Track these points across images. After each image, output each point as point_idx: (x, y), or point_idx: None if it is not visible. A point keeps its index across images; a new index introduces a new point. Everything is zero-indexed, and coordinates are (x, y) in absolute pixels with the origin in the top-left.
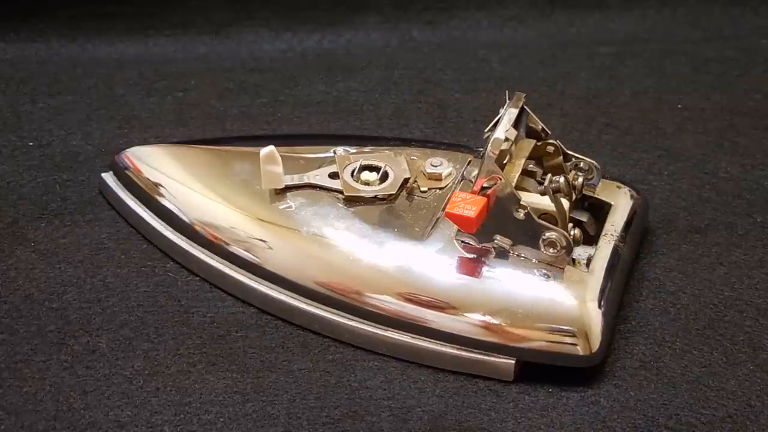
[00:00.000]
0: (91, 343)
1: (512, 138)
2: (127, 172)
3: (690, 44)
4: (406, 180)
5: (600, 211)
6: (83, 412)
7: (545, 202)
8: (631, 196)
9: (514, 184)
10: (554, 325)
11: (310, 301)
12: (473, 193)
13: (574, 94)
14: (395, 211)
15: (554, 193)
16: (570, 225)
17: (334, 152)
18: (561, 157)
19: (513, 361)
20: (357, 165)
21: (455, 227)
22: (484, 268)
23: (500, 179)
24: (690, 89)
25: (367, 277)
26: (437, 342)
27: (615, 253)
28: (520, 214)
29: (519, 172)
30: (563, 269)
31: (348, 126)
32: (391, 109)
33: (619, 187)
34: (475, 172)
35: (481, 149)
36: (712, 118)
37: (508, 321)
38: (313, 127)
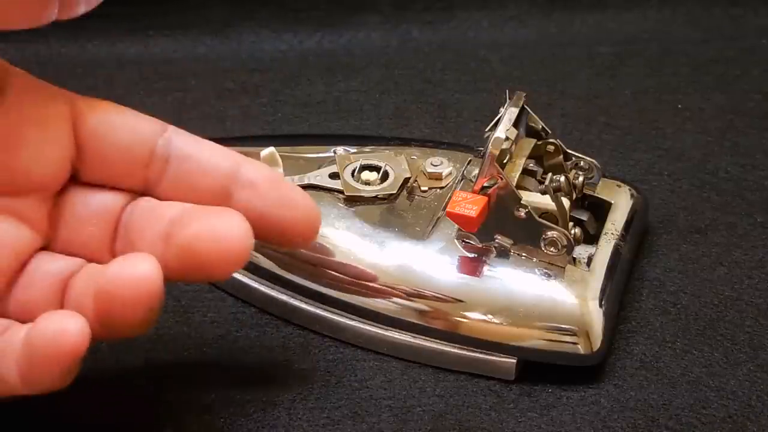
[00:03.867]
0: (89, 344)
1: (513, 137)
2: None
3: (690, 45)
4: (407, 180)
5: (600, 209)
6: (83, 412)
7: (546, 201)
8: (632, 195)
9: (514, 184)
10: (555, 324)
11: (310, 301)
12: (474, 192)
13: (574, 94)
14: (396, 210)
15: (555, 192)
16: (570, 224)
17: (334, 152)
18: (561, 156)
19: (514, 361)
20: (357, 165)
21: (456, 227)
22: (485, 268)
23: (501, 178)
24: (690, 89)
25: (367, 277)
26: (438, 341)
27: (615, 252)
28: (521, 213)
29: (519, 172)
30: (564, 268)
31: (348, 126)
32: (391, 109)
33: (619, 186)
34: (476, 172)
35: (482, 149)
36: (712, 118)
37: (509, 320)
38: (313, 127)
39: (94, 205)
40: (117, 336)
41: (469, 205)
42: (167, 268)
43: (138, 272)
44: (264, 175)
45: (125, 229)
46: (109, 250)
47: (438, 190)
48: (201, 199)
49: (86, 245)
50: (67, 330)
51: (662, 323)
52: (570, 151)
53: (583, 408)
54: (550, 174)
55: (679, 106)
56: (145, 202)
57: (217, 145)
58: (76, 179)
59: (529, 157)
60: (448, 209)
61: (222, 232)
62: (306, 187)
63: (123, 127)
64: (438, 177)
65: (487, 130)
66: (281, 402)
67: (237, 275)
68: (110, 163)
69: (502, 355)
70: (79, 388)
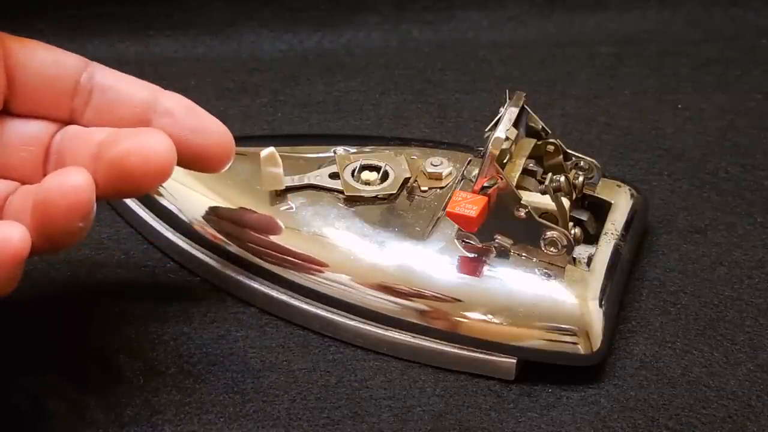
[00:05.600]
0: (90, 344)
1: (513, 137)
2: None
3: (690, 44)
4: (407, 179)
5: (600, 209)
6: (83, 412)
7: (546, 201)
8: (631, 195)
9: (514, 184)
10: (555, 324)
11: (310, 301)
12: (474, 192)
13: (574, 94)
14: (396, 210)
15: (555, 192)
16: (570, 224)
17: (334, 152)
18: (561, 156)
19: (514, 361)
20: (357, 165)
21: (456, 227)
22: (485, 268)
23: (501, 178)
24: (690, 89)
25: (367, 277)
26: (438, 341)
27: (615, 251)
28: (521, 213)
29: (519, 172)
30: (564, 268)
31: (348, 126)
32: (391, 109)
33: (619, 186)
34: (476, 172)
35: (482, 149)
36: (712, 118)
37: (509, 320)
38: (313, 127)
39: (25, 133)
40: (53, 247)
41: (469, 205)
42: (98, 184)
43: (71, 182)
44: (181, 104)
45: (56, 153)
46: (41, 174)
47: (438, 190)
48: (122, 127)
49: (20, 170)
50: (10, 236)
51: (662, 323)
52: (570, 151)
53: (583, 408)
54: (550, 174)
55: (679, 106)
56: (74, 128)
57: (137, 78)
58: (7, 111)
59: (529, 157)
60: (448, 209)
61: (148, 148)
62: (306, 187)
63: (49, 61)
64: (438, 177)
65: (487, 130)
66: (281, 402)
67: (237, 275)
68: (39, 94)
69: (502, 355)
70: (78, 388)
